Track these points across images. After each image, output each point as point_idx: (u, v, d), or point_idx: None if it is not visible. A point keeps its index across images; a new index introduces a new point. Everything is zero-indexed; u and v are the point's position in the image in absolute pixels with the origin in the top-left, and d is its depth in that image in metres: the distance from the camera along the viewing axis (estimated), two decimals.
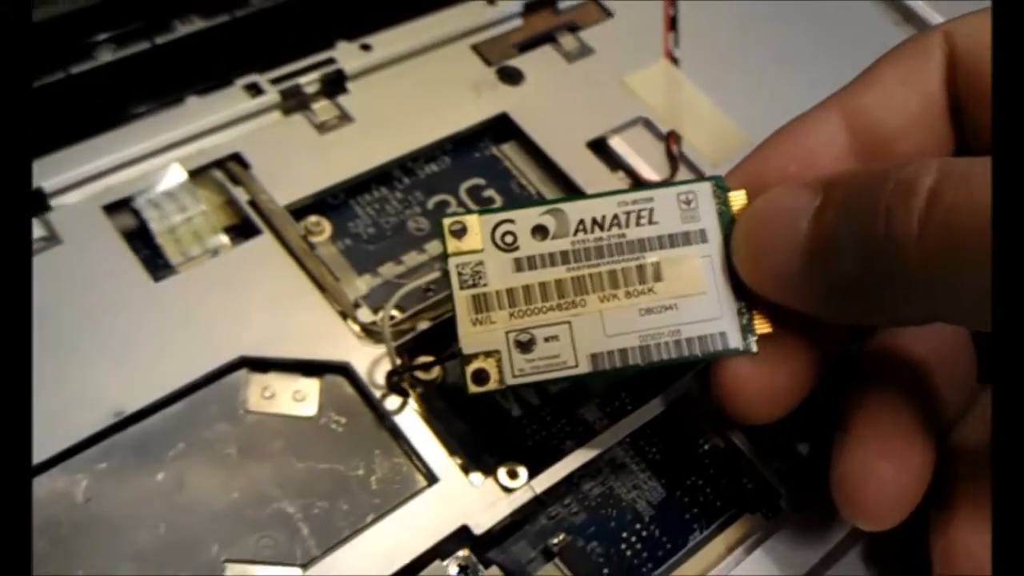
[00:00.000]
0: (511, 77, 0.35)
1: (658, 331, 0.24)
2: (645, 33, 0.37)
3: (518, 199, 0.32)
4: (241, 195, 0.30)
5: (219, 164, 0.31)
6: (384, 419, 0.26)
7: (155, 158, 0.30)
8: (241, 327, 0.27)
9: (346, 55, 0.34)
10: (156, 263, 0.28)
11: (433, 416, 0.26)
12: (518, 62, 0.35)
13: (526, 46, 0.36)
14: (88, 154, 0.30)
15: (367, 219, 0.31)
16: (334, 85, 0.33)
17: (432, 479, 0.25)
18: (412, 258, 0.30)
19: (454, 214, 0.24)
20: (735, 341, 0.24)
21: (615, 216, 0.24)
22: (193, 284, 0.28)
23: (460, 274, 0.24)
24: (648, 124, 0.34)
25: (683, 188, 0.24)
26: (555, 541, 0.25)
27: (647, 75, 0.35)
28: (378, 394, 0.26)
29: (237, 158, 0.31)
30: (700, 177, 0.26)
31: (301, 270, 0.28)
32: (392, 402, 0.26)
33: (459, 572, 0.24)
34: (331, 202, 0.31)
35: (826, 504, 0.24)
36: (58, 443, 0.24)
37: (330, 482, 0.25)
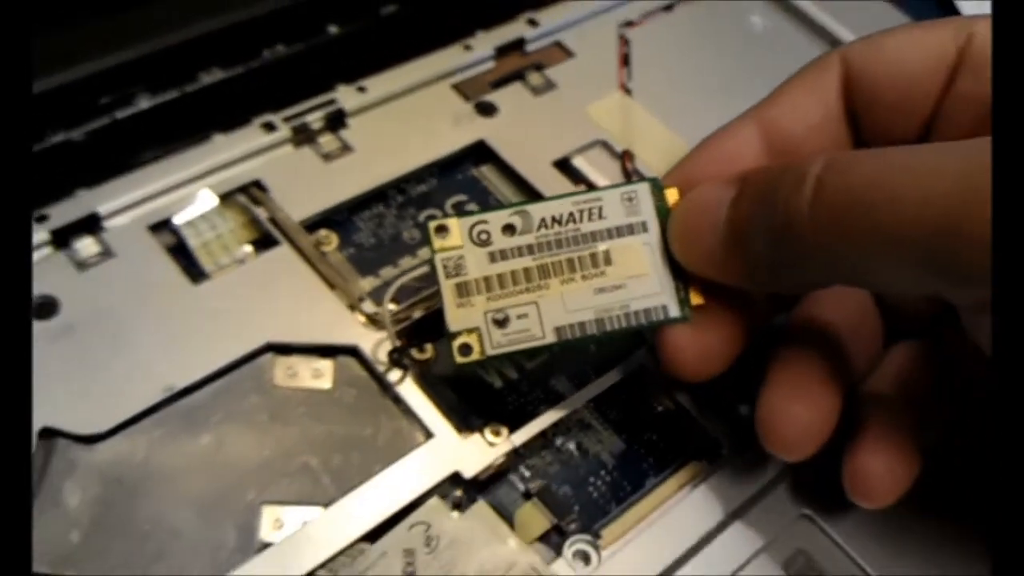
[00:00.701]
0: (486, 110, 0.37)
1: (610, 306, 0.26)
2: (602, 69, 0.40)
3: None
4: (262, 214, 0.33)
5: (243, 189, 0.33)
6: (387, 390, 0.29)
7: (190, 186, 0.33)
8: (267, 319, 0.30)
9: (345, 96, 0.36)
10: (194, 271, 0.31)
11: (428, 387, 0.29)
12: (492, 97, 0.38)
13: (499, 83, 0.39)
14: (134, 184, 0.32)
15: (367, 231, 0.34)
16: (336, 121, 0.36)
17: (429, 435, 0.28)
18: (407, 262, 0.33)
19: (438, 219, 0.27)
20: (674, 311, 0.26)
21: (571, 214, 0.27)
22: (225, 287, 0.31)
23: (445, 266, 0.26)
24: (606, 145, 0.37)
25: (626, 188, 0.27)
26: (533, 485, 0.28)
27: (604, 104, 0.38)
28: (382, 369, 0.29)
29: (257, 184, 0.33)
30: (641, 178, 0.29)
31: (314, 273, 0.31)
32: (394, 375, 0.29)
33: (453, 507, 0.27)
34: (337, 218, 0.34)
35: (758, 450, 0.27)
36: (121, 414, 0.27)
37: (344, 440, 0.28)
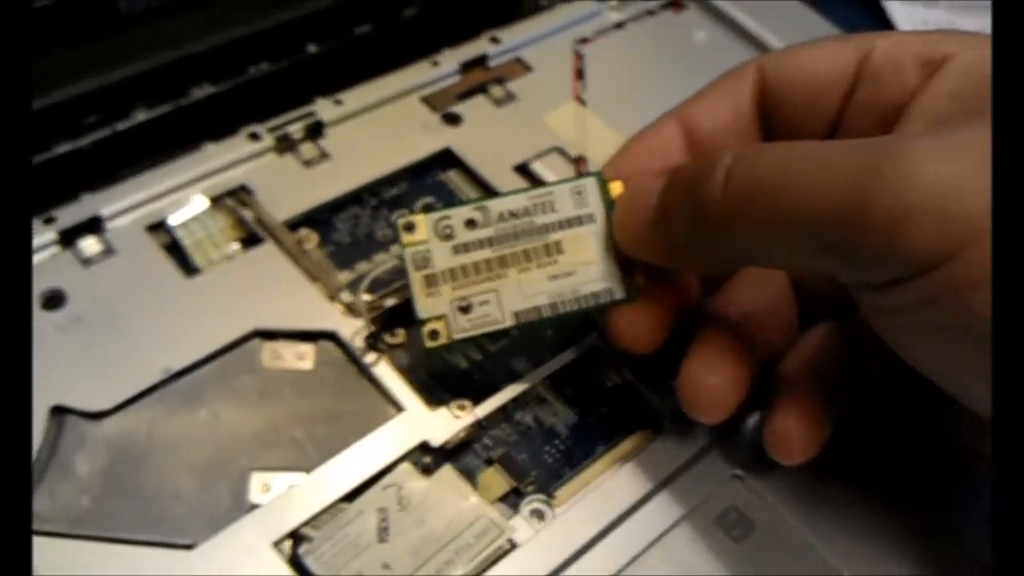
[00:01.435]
0: (452, 120, 0.39)
1: (563, 291, 0.28)
2: (558, 82, 0.42)
3: None
4: (249, 215, 0.34)
5: (231, 193, 0.35)
6: (363, 370, 0.31)
7: (183, 190, 0.35)
8: (254, 309, 0.32)
9: (324, 108, 0.38)
10: (187, 267, 0.33)
11: (400, 367, 0.31)
12: (458, 108, 0.39)
13: (464, 96, 0.40)
14: (133, 189, 0.34)
15: (344, 230, 0.36)
16: (315, 131, 0.37)
17: (400, 409, 0.30)
18: (380, 258, 0.35)
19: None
20: (620, 293, 0.28)
21: (526, 207, 0.28)
22: (216, 280, 0.33)
23: (414, 260, 0.28)
24: (562, 151, 0.39)
25: (575, 183, 0.28)
26: (495, 453, 0.30)
27: (560, 114, 0.40)
28: (358, 352, 0.31)
29: (244, 188, 0.35)
30: (587, 173, 0.30)
31: (296, 267, 0.33)
32: (369, 357, 0.31)
33: (423, 471, 0.29)
34: (317, 218, 0.35)
35: (694, 421, 0.29)
36: (124, 393, 0.30)
37: (326, 414, 0.30)
